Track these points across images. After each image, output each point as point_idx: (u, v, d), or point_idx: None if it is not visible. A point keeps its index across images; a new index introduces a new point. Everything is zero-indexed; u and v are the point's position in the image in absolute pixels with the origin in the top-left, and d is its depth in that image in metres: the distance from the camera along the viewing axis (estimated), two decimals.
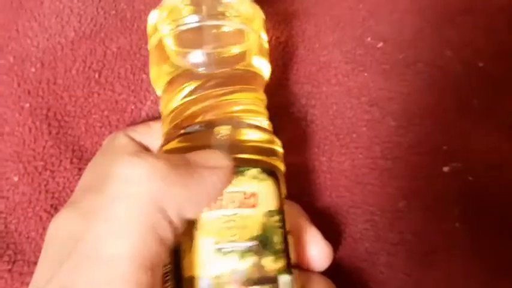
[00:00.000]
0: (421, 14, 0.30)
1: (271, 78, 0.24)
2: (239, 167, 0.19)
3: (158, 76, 0.23)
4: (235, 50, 0.22)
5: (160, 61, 0.23)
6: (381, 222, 0.26)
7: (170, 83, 0.22)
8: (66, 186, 0.26)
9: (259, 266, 0.18)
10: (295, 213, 0.22)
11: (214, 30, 0.22)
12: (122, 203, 0.16)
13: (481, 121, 0.27)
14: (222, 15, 0.22)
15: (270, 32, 0.29)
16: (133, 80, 0.28)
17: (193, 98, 0.21)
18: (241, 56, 0.22)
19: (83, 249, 0.16)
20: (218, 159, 0.19)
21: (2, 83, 0.28)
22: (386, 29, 0.29)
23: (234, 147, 0.20)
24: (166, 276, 0.18)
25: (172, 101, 0.22)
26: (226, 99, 0.21)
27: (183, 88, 0.22)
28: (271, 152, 0.21)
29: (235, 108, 0.21)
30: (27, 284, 0.24)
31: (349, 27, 0.30)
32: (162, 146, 0.21)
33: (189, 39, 0.22)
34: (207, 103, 0.21)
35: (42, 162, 0.27)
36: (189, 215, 0.18)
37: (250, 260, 0.18)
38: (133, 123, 0.28)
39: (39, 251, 0.22)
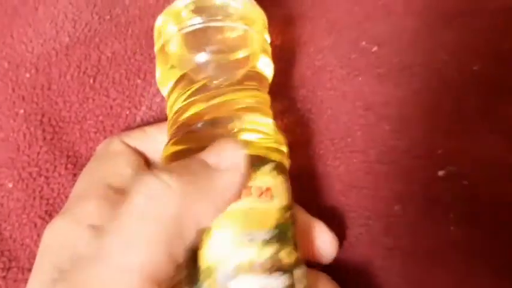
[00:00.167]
0: (416, 17, 0.30)
1: None
2: (253, 163, 0.20)
3: (163, 78, 0.23)
4: (240, 54, 0.22)
5: (165, 63, 0.23)
6: (376, 226, 0.26)
7: (175, 84, 0.23)
8: (60, 192, 0.26)
9: (276, 258, 0.19)
10: (297, 209, 0.23)
11: (219, 36, 0.22)
12: (139, 220, 0.17)
13: (477, 125, 0.27)
14: (225, 17, 0.22)
15: None
16: (128, 85, 0.28)
17: (198, 98, 0.22)
18: (245, 60, 0.23)
19: (95, 256, 0.17)
20: (231, 157, 0.19)
21: None
22: (381, 33, 0.29)
23: (242, 144, 0.20)
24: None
25: (178, 101, 0.22)
26: (231, 99, 0.22)
27: (188, 89, 0.22)
28: (280, 150, 0.22)
29: (241, 106, 0.22)
30: None
31: (345, 31, 0.30)
32: (168, 145, 0.22)
33: (193, 41, 0.22)
34: (211, 102, 0.21)
35: (36, 168, 0.27)
36: (208, 223, 0.18)
37: (268, 251, 0.19)
38: (128, 128, 0.28)
39: (34, 258, 0.21)
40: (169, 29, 0.23)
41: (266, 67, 0.24)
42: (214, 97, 0.22)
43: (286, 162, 0.22)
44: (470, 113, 0.27)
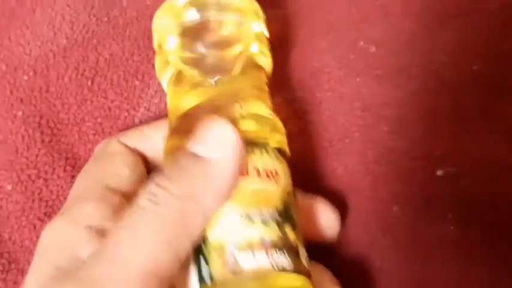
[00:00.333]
0: (414, 18, 0.30)
1: None
2: (258, 144, 0.20)
3: (162, 73, 0.24)
4: (236, 46, 0.23)
5: (163, 58, 0.23)
6: (374, 227, 0.26)
7: (174, 78, 0.23)
8: (59, 194, 0.27)
9: (283, 235, 0.19)
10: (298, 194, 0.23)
11: (215, 29, 0.23)
12: (143, 220, 0.17)
13: (476, 125, 0.27)
14: (220, 11, 0.23)
15: None
16: (126, 86, 0.28)
17: (197, 91, 0.22)
18: (242, 52, 0.23)
19: (96, 255, 0.17)
20: (221, 145, 0.19)
21: None
22: (379, 34, 0.29)
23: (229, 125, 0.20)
24: None
25: (176, 95, 0.23)
26: (230, 89, 0.22)
27: (187, 83, 0.22)
28: (281, 137, 0.22)
29: (240, 96, 0.22)
30: None
31: (342, 32, 0.29)
32: (168, 136, 0.22)
33: (189, 36, 0.23)
34: (211, 94, 0.22)
35: (35, 170, 0.27)
36: (215, 210, 0.18)
37: (275, 228, 0.19)
38: (127, 130, 0.28)
39: None
40: (165, 24, 0.23)
41: (263, 58, 0.24)
42: (213, 89, 0.22)
43: (287, 150, 0.23)
44: (469, 113, 0.27)
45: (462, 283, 0.24)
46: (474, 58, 0.28)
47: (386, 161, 0.26)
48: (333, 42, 0.29)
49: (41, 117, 0.28)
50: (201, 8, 0.23)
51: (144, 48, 0.29)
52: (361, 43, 0.29)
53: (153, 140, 0.24)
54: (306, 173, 0.26)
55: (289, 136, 0.23)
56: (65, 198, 0.26)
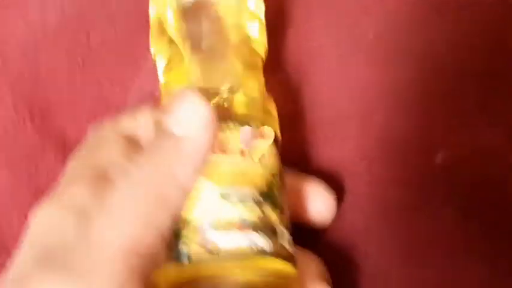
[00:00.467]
0: (415, 4, 0.30)
1: None
2: (243, 123, 0.20)
3: (158, 51, 0.24)
4: (231, 23, 0.23)
5: (160, 36, 0.23)
6: (371, 213, 0.25)
7: (169, 56, 0.23)
8: (50, 178, 0.26)
9: (264, 217, 0.19)
10: (291, 175, 0.23)
11: (211, 7, 0.23)
12: (120, 200, 0.17)
13: (474, 119, 0.27)
14: None
15: None
16: (118, 70, 0.28)
17: (191, 68, 0.22)
18: (237, 29, 0.23)
19: (80, 238, 0.17)
20: (192, 120, 0.18)
21: None
22: (378, 19, 0.29)
23: (232, 108, 0.21)
24: None
25: (171, 73, 0.23)
26: (224, 67, 0.22)
27: (181, 61, 0.22)
28: (270, 116, 0.22)
29: (233, 73, 0.22)
30: None
31: (341, 17, 0.29)
32: None
33: (186, 13, 0.23)
34: (204, 72, 0.22)
35: (25, 153, 0.26)
36: (191, 185, 0.18)
37: (256, 209, 0.19)
38: (119, 113, 0.28)
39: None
40: (163, 1, 0.23)
41: (258, 37, 0.24)
42: (207, 68, 0.22)
43: (278, 131, 0.22)
44: (468, 104, 0.27)
45: (460, 275, 0.24)
46: (473, 49, 0.27)
47: (384, 148, 0.26)
48: (331, 26, 0.29)
49: (31, 101, 0.27)
50: None
51: (138, 31, 0.29)
52: (360, 29, 0.29)
53: (145, 124, 0.24)
54: (301, 157, 0.26)
55: (284, 119, 0.23)
56: (55, 181, 0.26)
